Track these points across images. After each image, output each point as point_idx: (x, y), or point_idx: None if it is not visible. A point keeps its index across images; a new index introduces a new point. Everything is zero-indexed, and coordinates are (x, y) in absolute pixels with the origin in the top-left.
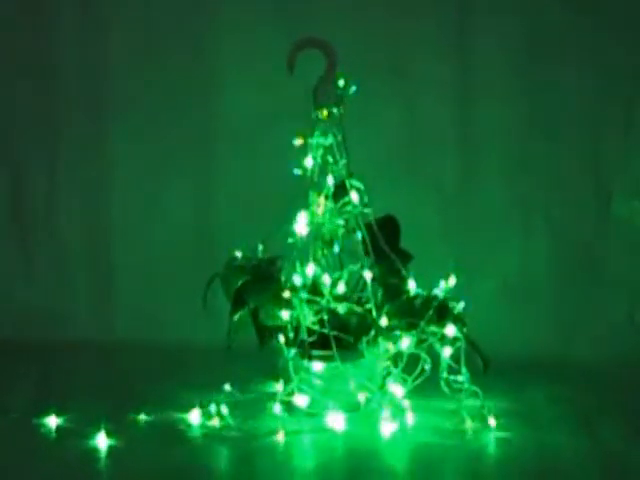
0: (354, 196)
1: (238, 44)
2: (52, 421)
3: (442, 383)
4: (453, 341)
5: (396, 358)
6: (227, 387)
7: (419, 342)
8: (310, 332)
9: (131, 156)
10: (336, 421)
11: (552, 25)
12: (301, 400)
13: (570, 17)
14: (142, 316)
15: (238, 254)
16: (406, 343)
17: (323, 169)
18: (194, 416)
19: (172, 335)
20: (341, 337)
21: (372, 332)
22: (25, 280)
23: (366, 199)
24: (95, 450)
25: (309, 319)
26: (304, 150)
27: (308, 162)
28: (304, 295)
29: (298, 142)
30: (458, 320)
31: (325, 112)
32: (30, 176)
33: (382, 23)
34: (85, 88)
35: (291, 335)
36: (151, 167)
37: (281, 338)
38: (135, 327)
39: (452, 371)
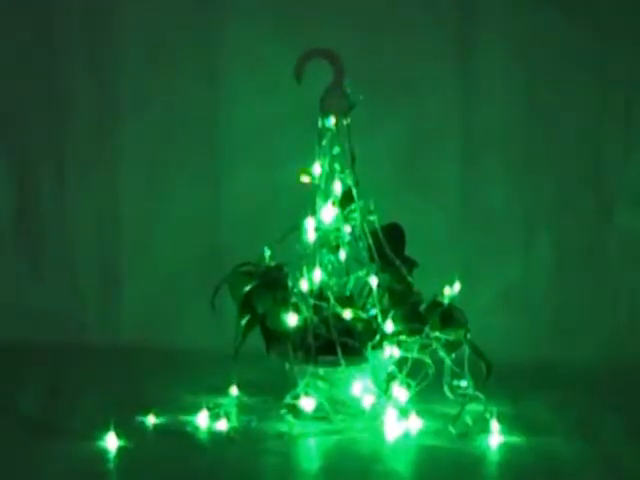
0: (360, 204)
1: (245, 54)
2: (62, 423)
3: (446, 388)
4: (457, 346)
5: (401, 363)
6: (234, 391)
7: (423, 347)
8: (316, 337)
9: (140, 162)
10: (341, 425)
11: (554, 37)
12: (307, 404)
13: (571, 29)
14: (150, 319)
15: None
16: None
17: (330, 176)
18: (201, 419)
19: (180, 339)
20: (346, 342)
21: (377, 337)
22: (34, 283)
23: (372, 207)
24: (104, 452)
25: (315, 324)
26: (311, 157)
27: (315, 170)
28: (310, 300)
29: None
30: (462, 326)
31: (332, 121)
32: (38, 180)
33: (385, 36)
34: (93, 92)
35: (297, 340)
36: (159, 174)
37: (287, 343)
38: (143, 330)
39: (456, 376)
